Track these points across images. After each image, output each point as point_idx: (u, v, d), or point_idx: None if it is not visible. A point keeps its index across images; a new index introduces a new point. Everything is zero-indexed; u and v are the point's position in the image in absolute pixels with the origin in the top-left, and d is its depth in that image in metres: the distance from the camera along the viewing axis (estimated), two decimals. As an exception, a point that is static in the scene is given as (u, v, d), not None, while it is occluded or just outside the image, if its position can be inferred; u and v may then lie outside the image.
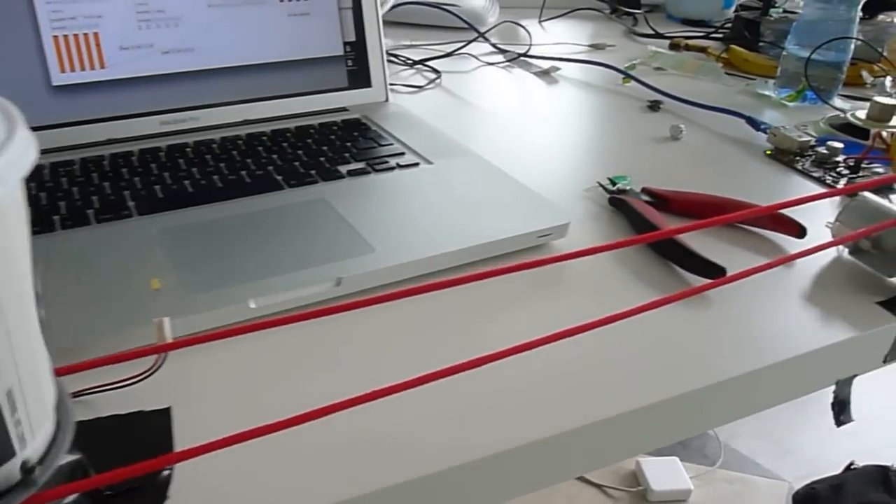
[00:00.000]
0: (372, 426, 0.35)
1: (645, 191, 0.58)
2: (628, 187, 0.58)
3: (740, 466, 1.59)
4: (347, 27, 0.67)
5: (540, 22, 1.13)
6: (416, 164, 0.57)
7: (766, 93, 0.85)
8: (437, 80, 0.84)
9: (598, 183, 0.59)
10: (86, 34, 0.57)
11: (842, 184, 0.63)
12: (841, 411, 0.47)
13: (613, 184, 0.59)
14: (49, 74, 0.56)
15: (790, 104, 0.84)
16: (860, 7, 0.97)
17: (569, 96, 0.82)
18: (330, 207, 0.49)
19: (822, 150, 0.67)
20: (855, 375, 0.47)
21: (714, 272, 0.47)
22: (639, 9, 1.17)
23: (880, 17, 1.00)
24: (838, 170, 0.65)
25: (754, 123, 0.73)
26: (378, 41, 0.69)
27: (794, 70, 0.83)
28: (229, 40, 0.62)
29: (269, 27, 0.64)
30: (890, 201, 0.59)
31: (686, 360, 0.41)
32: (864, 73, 0.89)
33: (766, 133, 0.70)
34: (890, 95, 0.85)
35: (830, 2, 0.80)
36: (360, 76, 0.69)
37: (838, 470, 1.51)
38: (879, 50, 0.94)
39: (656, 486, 1.44)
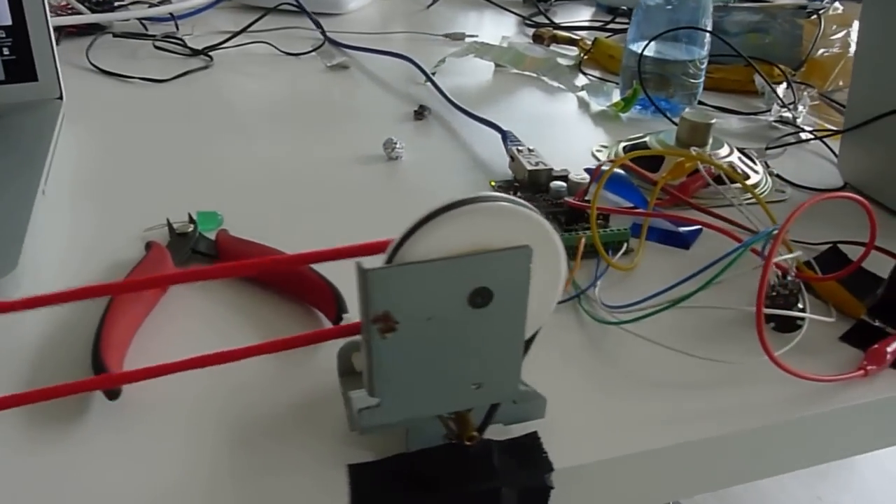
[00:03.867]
0: None
1: (219, 237, 0.40)
2: (189, 229, 0.40)
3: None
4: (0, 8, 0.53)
5: (428, 7, 0.94)
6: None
7: (591, 100, 0.62)
8: (197, 73, 0.68)
9: (168, 221, 0.41)
10: None
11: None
12: None
13: (192, 222, 0.41)
14: None
15: (624, 116, 0.61)
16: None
17: (337, 96, 0.64)
18: None
19: (558, 185, 0.45)
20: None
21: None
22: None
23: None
24: (562, 217, 0.44)
25: (507, 142, 0.52)
26: (44, 26, 0.54)
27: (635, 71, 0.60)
28: None
29: None
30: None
31: None
32: (758, 79, 0.63)
33: (514, 156, 0.50)
34: (782, 110, 0.59)
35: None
36: (21, 68, 0.55)
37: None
38: (798, 48, 0.68)
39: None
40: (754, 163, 0.51)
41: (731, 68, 0.66)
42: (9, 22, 0.54)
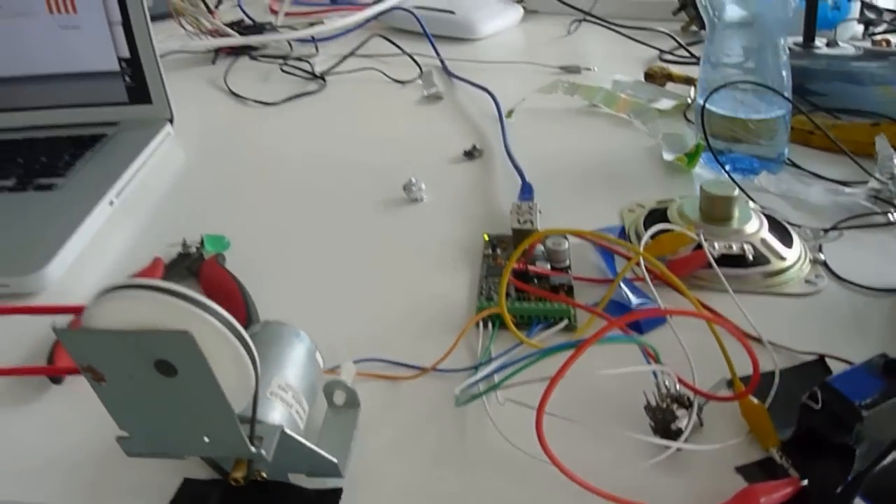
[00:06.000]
0: None
1: (205, 261, 0.47)
2: (192, 250, 0.48)
3: None
4: (120, 42, 0.67)
5: (570, 31, 0.94)
6: (50, 188, 0.56)
7: (665, 151, 0.60)
8: (306, 97, 0.77)
9: (183, 240, 0.50)
10: None
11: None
12: None
13: (201, 244, 0.50)
14: None
15: (697, 170, 0.58)
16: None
17: (406, 130, 0.69)
18: None
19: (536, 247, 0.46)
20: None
21: None
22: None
23: None
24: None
25: (520, 195, 0.53)
26: (153, 58, 0.67)
27: (714, 123, 0.57)
28: (8, 50, 0.67)
29: (43, 38, 0.67)
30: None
31: None
32: (881, 140, 0.56)
33: (523, 209, 0.51)
34: (875, 182, 0.52)
35: (733, 27, 0.53)
36: (140, 93, 0.68)
37: None
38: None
39: None
40: (789, 244, 0.46)
41: (851, 126, 0.59)
42: (127, 55, 0.67)
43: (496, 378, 0.36)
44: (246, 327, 0.39)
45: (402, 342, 0.41)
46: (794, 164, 0.58)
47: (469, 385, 0.35)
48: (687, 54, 0.83)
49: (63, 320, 0.25)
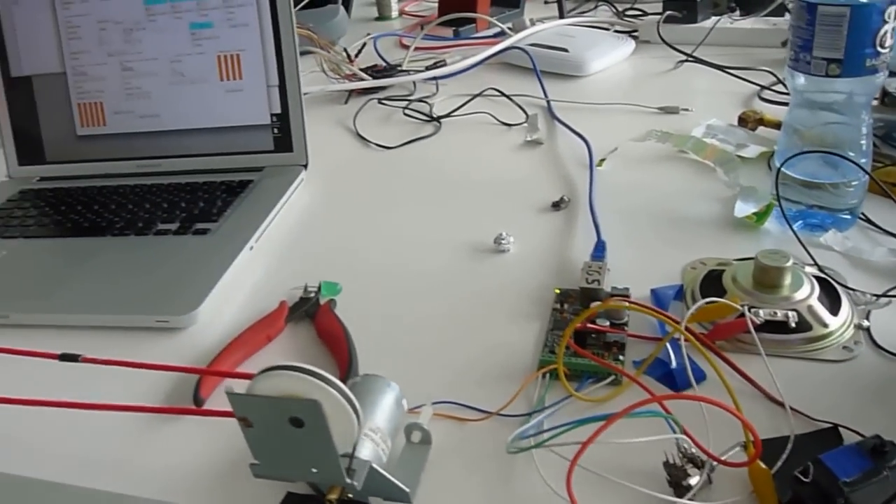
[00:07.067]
0: None
1: (320, 308, 0.58)
2: (311, 295, 0.59)
3: None
4: (274, 101, 0.80)
5: (675, 67, 0.98)
6: (205, 233, 0.69)
7: (739, 204, 0.64)
8: (421, 141, 0.87)
9: (305, 285, 0.61)
10: (95, 102, 0.84)
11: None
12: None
13: (319, 289, 0.60)
14: (76, 127, 0.86)
15: (768, 227, 0.62)
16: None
17: (503, 175, 0.77)
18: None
19: (597, 305, 0.53)
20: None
21: None
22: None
23: None
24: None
25: (597, 248, 0.60)
26: (300, 113, 0.80)
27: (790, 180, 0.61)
28: (184, 109, 0.82)
29: (212, 100, 0.81)
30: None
31: None
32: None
33: (595, 265, 0.58)
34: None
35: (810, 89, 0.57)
36: (284, 142, 0.81)
37: None
38: None
39: None
40: (836, 311, 0.50)
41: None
42: (279, 111, 0.80)
43: (545, 424, 0.44)
44: (347, 371, 0.50)
45: (474, 386, 0.49)
46: (868, 220, 0.61)
47: (517, 436, 0.43)
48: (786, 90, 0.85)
49: (233, 386, 0.36)
